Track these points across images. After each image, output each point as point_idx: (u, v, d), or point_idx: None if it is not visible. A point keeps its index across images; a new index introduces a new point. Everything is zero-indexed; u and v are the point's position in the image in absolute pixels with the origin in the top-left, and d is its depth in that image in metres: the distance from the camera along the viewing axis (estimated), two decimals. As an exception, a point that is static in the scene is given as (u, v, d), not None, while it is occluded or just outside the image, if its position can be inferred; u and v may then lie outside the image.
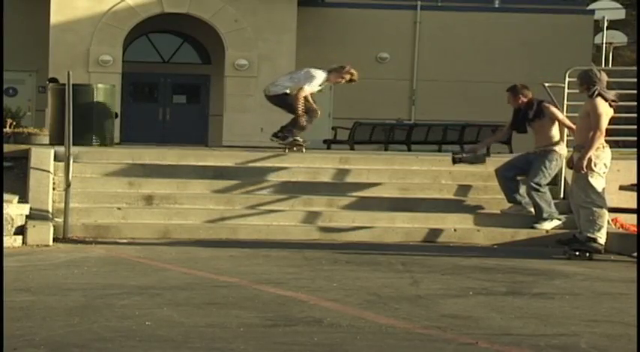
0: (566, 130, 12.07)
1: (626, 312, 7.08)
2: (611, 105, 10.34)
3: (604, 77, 10.41)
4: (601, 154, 10.32)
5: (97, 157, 12.79)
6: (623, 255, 10.59)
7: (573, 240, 10.48)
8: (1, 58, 18.26)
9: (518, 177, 11.98)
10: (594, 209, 10.32)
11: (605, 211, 10.41)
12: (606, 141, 10.49)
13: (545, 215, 11.64)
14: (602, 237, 10.33)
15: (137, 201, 11.89)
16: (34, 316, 6.48)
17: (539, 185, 11.67)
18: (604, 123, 10.24)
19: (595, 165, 10.25)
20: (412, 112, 29.96)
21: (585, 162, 10.21)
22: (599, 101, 10.26)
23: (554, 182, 12.18)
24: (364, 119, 25.76)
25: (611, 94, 10.37)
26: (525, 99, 11.99)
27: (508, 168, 11.98)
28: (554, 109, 11.98)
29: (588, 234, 10.31)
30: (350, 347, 5.78)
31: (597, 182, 10.29)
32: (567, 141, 12.11)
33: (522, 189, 11.91)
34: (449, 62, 29.65)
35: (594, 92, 10.27)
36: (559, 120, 11.94)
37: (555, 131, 11.91)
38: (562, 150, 11.82)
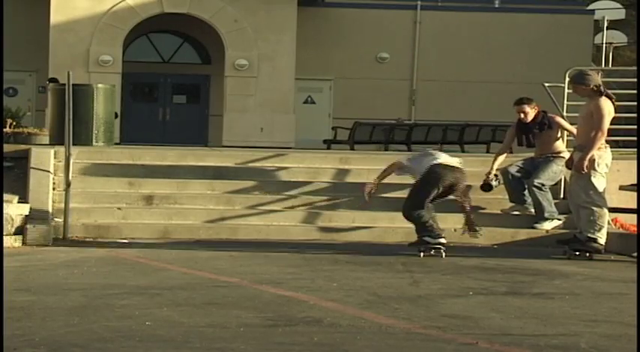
0: (565, 133, 12.09)
1: (626, 312, 7.08)
2: (613, 104, 10.32)
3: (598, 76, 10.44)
4: (603, 154, 10.31)
5: (97, 157, 12.78)
6: (623, 255, 10.59)
7: (573, 240, 10.48)
8: (1, 58, 18.26)
9: (524, 179, 11.97)
10: (595, 209, 10.31)
11: (606, 211, 10.41)
12: (606, 141, 10.48)
13: (546, 214, 11.64)
14: (602, 237, 10.33)
15: (137, 201, 11.89)
16: (34, 316, 6.48)
17: (542, 184, 11.67)
18: (607, 124, 10.21)
19: (598, 165, 10.24)
20: (412, 112, 29.97)
21: (586, 163, 10.17)
22: (605, 100, 10.21)
23: (555, 182, 12.16)
24: (364, 119, 25.78)
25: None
26: (536, 110, 11.92)
27: (517, 170, 11.92)
28: (559, 119, 12.00)
29: (588, 234, 10.31)
30: (350, 347, 5.78)
31: (599, 182, 10.28)
32: (567, 141, 12.12)
33: (527, 190, 11.91)
34: (449, 62, 29.66)
35: (601, 92, 10.22)
36: (565, 129, 11.96)
37: (560, 141, 11.95)
38: (567, 155, 11.80)
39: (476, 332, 6.24)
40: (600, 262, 10.20)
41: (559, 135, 11.98)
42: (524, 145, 12.14)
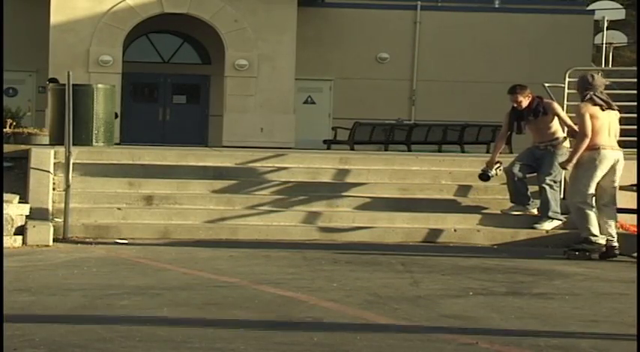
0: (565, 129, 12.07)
1: (626, 312, 7.08)
2: (603, 109, 10.45)
3: (598, 81, 10.52)
4: (596, 156, 10.39)
5: (97, 157, 12.78)
6: (623, 255, 10.59)
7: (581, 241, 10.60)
8: (1, 58, 18.25)
9: (528, 176, 11.96)
10: (586, 210, 10.43)
11: (594, 211, 10.53)
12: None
13: (550, 213, 11.63)
14: (597, 237, 10.41)
15: (137, 201, 11.88)
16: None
17: (555, 181, 11.68)
18: (588, 126, 10.37)
19: (592, 166, 10.36)
20: (412, 112, 29.97)
21: (570, 164, 10.51)
22: (584, 104, 10.47)
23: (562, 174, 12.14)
24: (364, 119, 25.78)
25: (604, 98, 10.49)
26: (530, 98, 11.91)
27: (520, 168, 11.87)
28: (555, 105, 11.95)
29: (584, 235, 10.42)
30: (350, 347, 5.78)
31: (587, 182, 10.41)
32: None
33: (529, 191, 11.90)
34: (449, 62, 29.66)
35: (584, 96, 10.46)
36: (560, 117, 11.89)
37: (558, 126, 11.88)
38: (567, 143, 11.83)
39: (476, 333, 6.24)
40: (600, 262, 10.22)
41: (556, 121, 11.86)
42: (515, 131, 12.09)
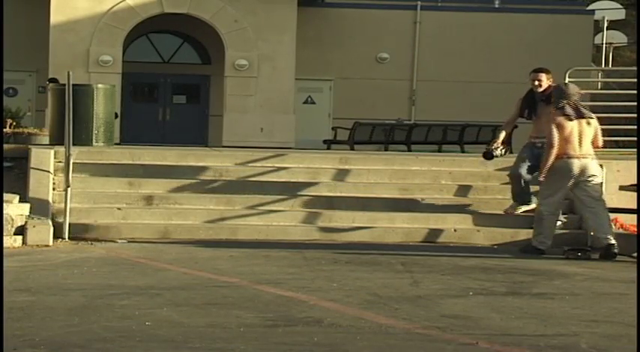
0: None
1: (626, 313, 7.08)
2: (571, 119, 10.57)
3: (572, 90, 10.76)
4: (563, 165, 10.61)
5: (97, 157, 12.78)
6: (623, 255, 10.60)
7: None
8: (1, 58, 18.25)
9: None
10: (543, 215, 10.81)
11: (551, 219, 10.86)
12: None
13: None
14: (539, 241, 10.78)
15: (137, 201, 11.89)
16: (34, 316, 6.48)
17: None
18: (553, 136, 10.57)
19: (553, 173, 10.63)
20: (412, 112, 29.97)
21: (542, 176, 10.74)
22: (554, 115, 10.69)
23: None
24: (364, 119, 25.78)
25: (575, 107, 10.63)
26: (549, 84, 11.85)
27: (526, 170, 11.77)
28: None
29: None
30: (350, 347, 5.78)
31: (551, 187, 10.72)
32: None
33: (532, 190, 11.90)
34: (449, 62, 29.65)
35: (558, 105, 10.68)
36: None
37: None
38: None
39: (476, 332, 6.24)
40: (600, 262, 10.23)
41: None
42: (525, 117, 12.01)
